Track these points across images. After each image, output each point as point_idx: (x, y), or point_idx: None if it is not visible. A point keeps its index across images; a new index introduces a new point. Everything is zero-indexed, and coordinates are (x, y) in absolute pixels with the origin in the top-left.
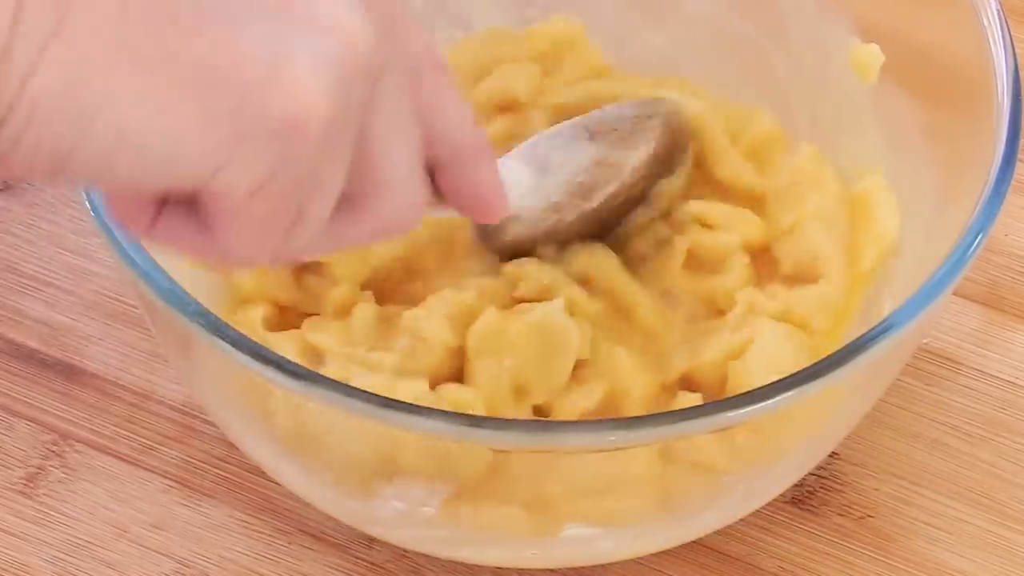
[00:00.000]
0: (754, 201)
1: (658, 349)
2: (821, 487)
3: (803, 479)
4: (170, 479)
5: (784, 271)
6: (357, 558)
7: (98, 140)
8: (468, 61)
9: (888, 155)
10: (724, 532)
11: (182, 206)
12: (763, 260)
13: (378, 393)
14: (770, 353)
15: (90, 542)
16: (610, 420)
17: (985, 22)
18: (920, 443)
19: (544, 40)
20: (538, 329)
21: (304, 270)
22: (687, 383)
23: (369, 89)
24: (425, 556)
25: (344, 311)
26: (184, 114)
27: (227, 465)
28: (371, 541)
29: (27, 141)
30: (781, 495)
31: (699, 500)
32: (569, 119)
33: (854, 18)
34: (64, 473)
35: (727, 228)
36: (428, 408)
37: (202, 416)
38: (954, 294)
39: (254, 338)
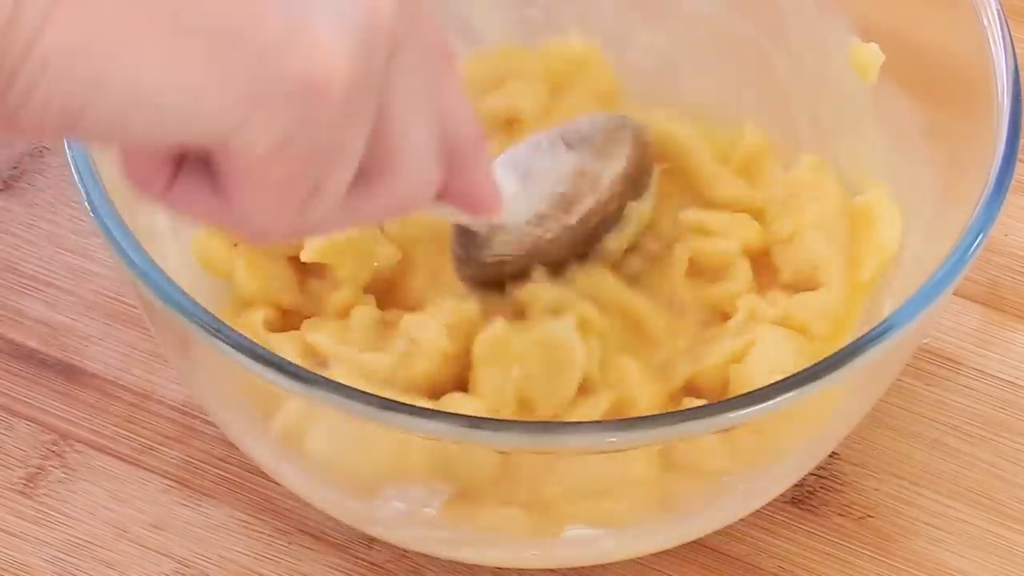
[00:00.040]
0: (753, 213)
1: (664, 358)
2: (821, 487)
3: (803, 479)
4: (170, 479)
5: (784, 279)
6: (357, 558)
7: (111, 97)
8: (479, 73)
9: (888, 155)
10: (724, 532)
11: (199, 169)
12: (763, 268)
13: (379, 394)
14: (771, 357)
15: (90, 542)
16: (610, 421)
17: (985, 22)
18: (920, 443)
19: (558, 59)
20: (545, 344)
21: (307, 273)
22: (691, 390)
23: (388, 59)
24: (425, 556)
25: (345, 314)
26: (201, 71)
27: (227, 465)
28: (371, 541)
29: (37, 99)
30: (781, 495)
31: (699, 500)
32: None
33: (854, 18)
34: (64, 473)
35: (726, 235)
36: (429, 409)
37: (202, 416)
38: (954, 294)
39: (254, 339)
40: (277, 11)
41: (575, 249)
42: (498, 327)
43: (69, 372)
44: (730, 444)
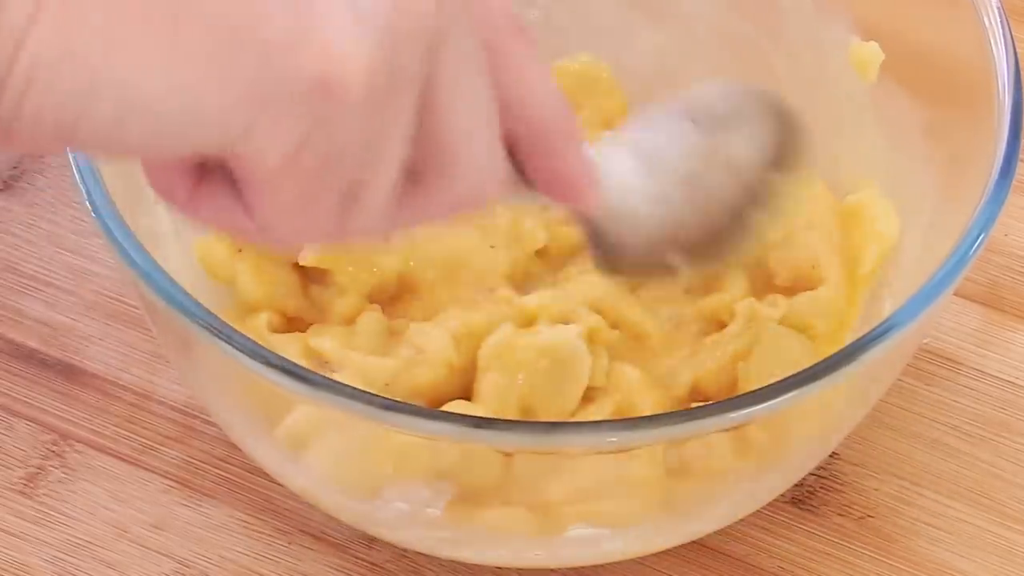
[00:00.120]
0: None
1: (666, 367)
2: (821, 487)
3: (803, 479)
4: (170, 479)
5: (781, 282)
6: (357, 558)
7: (105, 105)
8: None
9: (888, 155)
10: (724, 532)
11: (221, 177)
12: (758, 276)
13: (381, 395)
14: (777, 356)
15: (90, 542)
16: (613, 421)
17: (986, 21)
18: (920, 443)
19: (566, 77)
20: (551, 351)
21: (311, 279)
22: (696, 395)
23: (425, 55)
24: (425, 556)
25: (350, 321)
26: (201, 73)
27: (227, 465)
28: (371, 541)
29: (28, 112)
30: (781, 495)
31: (700, 501)
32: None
33: (854, 17)
34: (64, 473)
35: None
36: (432, 410)
37: (203, 416)
38: (954, 294)
39: (257, 341)
40: (284, 8)
41: (718, 234)
42: (505, 333)
43: (69, 372)
44: (731, 444)
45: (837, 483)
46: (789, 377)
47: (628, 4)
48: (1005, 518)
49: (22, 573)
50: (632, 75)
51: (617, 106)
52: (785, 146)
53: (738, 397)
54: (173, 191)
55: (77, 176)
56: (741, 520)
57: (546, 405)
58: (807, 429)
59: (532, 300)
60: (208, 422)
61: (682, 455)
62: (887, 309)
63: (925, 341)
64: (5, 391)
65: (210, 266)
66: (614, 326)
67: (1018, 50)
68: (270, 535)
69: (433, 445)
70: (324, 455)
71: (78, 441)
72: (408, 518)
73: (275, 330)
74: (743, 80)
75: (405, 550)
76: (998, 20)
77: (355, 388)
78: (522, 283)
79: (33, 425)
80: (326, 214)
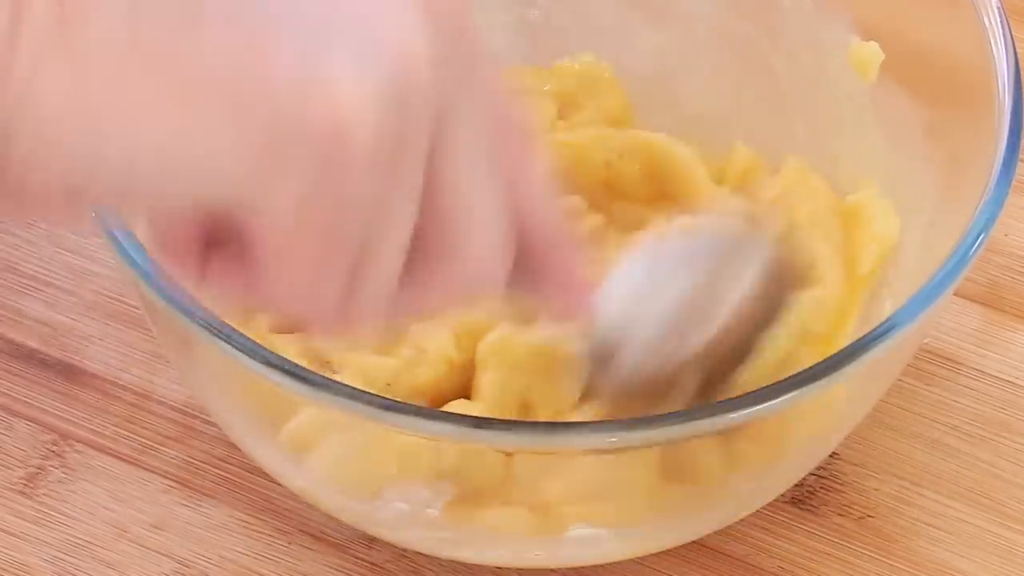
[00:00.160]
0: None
1: None
2: (821, 487)
3: (803, 479)
4: (170, 479)
5: None
6: (357, 558)
7: (114, 161)
8: None
9: (888, 154)
10: (724, 532)
11: (233, 247)
12: None
13: (382, 395)
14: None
15: (90, 542)
16: (613, 421)
17: (986, 21)
18: (920, 443)
19: (568, 77)
20: (549, 349)
21: None
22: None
23: (432, 114)
24: (425, 556)
25: None
26: (210, 128)
27: (227, 465)
28: (371, 541)
29: (36, 171)
30: (781, 495)
31: (700, 501)
32: (663, 238)
33: (854, 17)
34: (64, 473)
35: None
36: (433, 410)
37: (203, 416)
38: (954, 294)
39: (257, 340)
40: (290, 57)
41: (704, 378)
42: (502, 331)
43: (69, 372)
44: (731, 444)
45: (837, 483)
46: (789, 377)
47: (628, 4)
48: (1005, 518)
49: (22, 573)
50: (632, 75)
51: (619, 106)
52: (784, 273)
53: (738, 397)
54: (184, 260)
55: None
56: (741, 520)
57: (544, 402)
58: (807, 429)
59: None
60: (208, 422)
61: (682, 455)
62: (887, 309)
63: (925, 341)
64: (5, 391)
65: None
66: None
67: (1018, 50)
68: (270, 535)
69: (434, 445)
70: (326, 457)
71: (78, 441)
72: (408, 518)
73: (276, 331)
74: (741, 80)
75: (405, 550)
76: (998, 20)
77: (355, 388)
78: None
79: (33, 425)
80: (335, 282)
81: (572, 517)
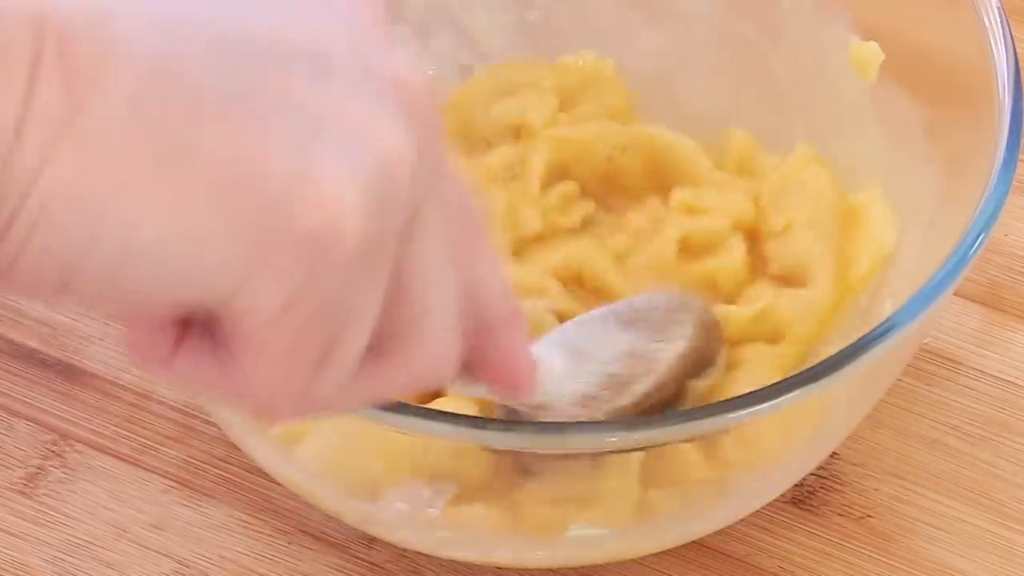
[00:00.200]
0: (749, 200)
1: None
2: (821, 487)
3: (803, 479)
4: (170, 479)
5: (773, 271)
6: (357, 558)
7: (108, 247)
8: (491, 84)
9: (888, 154)
10: (724, 532)
11: (203, 337)
12: (756, 251)
13: None
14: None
15: (90, 542)
16: (612, 421)
17: (986, 21)
18: (920, 443)
19: (570, 73)
20: None
21: None
22: None
23: (406, 218)
24: (425, 556)
25: None
26: (203, 220)
27: (227, 465)
28: (371, 541)
29: (31, 251)
30: (781, 495)
31: (700, 501)
32: (597, 309)
33: (854, 17)
34: (64, 473)
35: (717, 212)
36: (432, 410)
37: (202, 416)
38: (954, 294)
39: None
40: (283, 155)
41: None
42: None
43: (69, 372)
44: (730, 444)
45: (837, 483)
46: (790, 377)
47: (628, 4)
48: (1005, 518)
49: (22, 573)
50: (632, 75)
51: (621, 102)
52: (704, 350)
53: (739, 397)
54: (152, 352)
55: None
56: (741, 520)
57: None
58: (808, 429)
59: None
60: (208, 422)
61: (681, 454)
62: (887, 309)
63: (925, 341)
64: (5, 391)
65: None
66: (596, 295)
67: (1018, 50)
68: (270, 535)
69: (420, 442)
70: (314, 451)
71: (78, 441)
72: (408, 518)
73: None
74: (741, 80)
75: (405, 550)
76: (998, 20)
77: None
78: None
79: (33, 425)
80: (303, 374)
81: (574, 517)
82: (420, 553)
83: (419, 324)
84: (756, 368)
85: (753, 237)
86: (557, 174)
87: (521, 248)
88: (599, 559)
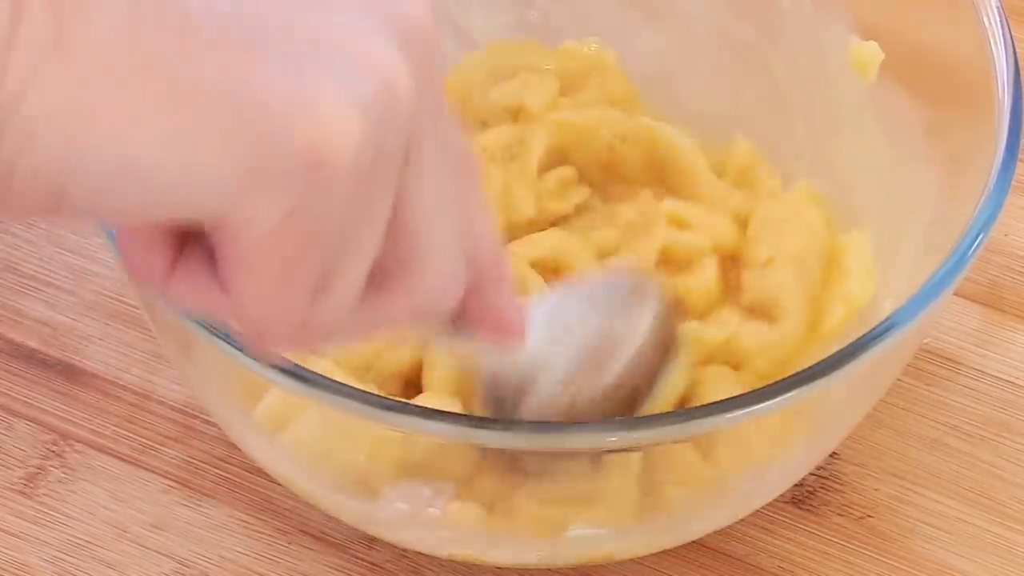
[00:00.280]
0: (739, 221)
1: None
2: (821, 487)
3: (803, 479)
4: (170, 479)
5: (745, 300)
6: (357, 558)
7: (98, 170)
8: (492, 63)
9: (888, 155)
10: (724, 532)
11: (200, 256)
12: (733, 274)
13: (379, 394)
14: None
15: (90, 542)
16: (611, 421)
17: (986, 22)
18: (920, 443)
19: (573, 59)
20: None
21: None
22: None
23: (405, 144)
24: (425, 556)
25: None
26: (196, 140)
27: (227, 465)
28: (371, 541)
29: (21, 171)
30: (781, 495)
31: (700, 500)
32: (566, 284)
33: (853, 17)
34: (64, 473)
35: (701, 230)
36: (432, 410)
37: (202, 416)
38: (954, 294)
39: None
40: (284, 76)
41: (604, 405)
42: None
43: (69, 372)
44: (730, 444)
45: (837, 483)
46: (790, 377)
47: (628, 4)
48: (1005, 518)
49: (22, 573)
50: (632, 75)
51: (622, 92)
52: (664, 330)
53: (739, 396)
54: (150, 269)
55: None
56: (741, 520)
57: None
58: (808, 429)
59: None
60: (208, 422)
61: (681, 455)
62: (887, 309)
63: (925, 341)
64: (5, 391)
65: None
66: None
67: (1018, 50)
68: (270, 535)
69: (404, 438)
70: (301, 439)
71: (78, 441)
72: (408, 518)
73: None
74: (741, 80)
75: (405, 550)
76: (998, 20)
77: (355, 388)
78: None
79: (33, 425)
80: (299, 299)
81: (574, 517)
82: (420, 553)
83: (422, 255)
84: (718, 389)
85: (734, 263)
86: (556, 158)
87: (511, 233)
88: (599, 559)
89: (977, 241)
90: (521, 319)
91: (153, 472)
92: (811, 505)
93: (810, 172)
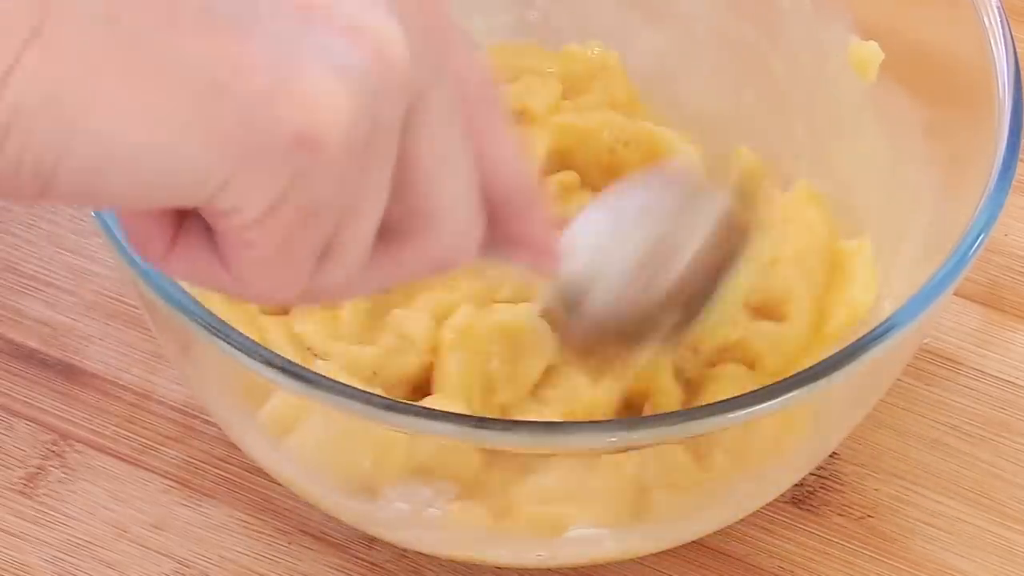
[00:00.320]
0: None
1: None
2: (821, 487)
3: (803, 479)
4: (170, 479)
5: (751, 300)
6: (357, 558)
7: (84, 154)
8: (494, 66)
9: (888, 154)
10: (724, 532)
11: (200, 231)
12: None
13: (380, 395)
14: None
15: (90, 542)
16: (611, 421)
17: (986, 21)
18: (920, 443)
19: (576, 62)
20: (510, 329)
21: None
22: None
23: (404, 108)
24: (425, 556)
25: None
26: (180, 125)
27: (227, 465)
28: (371, 541)
29: (7, 155)
30: (781, 495)
31: (699, 500)
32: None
33: (853, 17)
34: (64, 473)
35: None
36: (432, 410)
37: (202, 416)
38: (954, 294)
39: (249, 323)
40: (269, 54)
41: (675, 319)
42: (465, 312)
43: (69, 372)
44: (730, 444)
45: (837, 483)
46: (790, 377)
47: (628, 4)
48: (1005, 518)
49: (22, 573)
50: (632, 75)
51: (624, 94)
52: (737, 222)
53: (740, 396)
54: (150, 245)
55: None
56: (741, 520)
57: (508, 383)
58: (808, 429)
59: (493, 276)
60: (208, 422)
61: (681, 455)
62: (887, 309)
63: (925, 341)
64: (5, 391)
65: None
66: None
67: (1018, 50)
68: (270, 535)
69: (409, 439)
70: (303, 445)
71: (78, 441)
72: (408, 518)
73: (267, 309)
74: (741, 80)
75: (405, 550)
76: (998, 20)
77: (355, 389)
78: None
79: (33, 425)
80: (301, 270)
81: (574, 516)
82: (420, 553)
83: (433, 213)
84: (733, 388)
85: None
86: (557, 161)
87: None
88: (599, 559)
89: (977, 241)
90: (555, 244)
91: (153, 472)
92: (811, 505)
93: (810, 172)
